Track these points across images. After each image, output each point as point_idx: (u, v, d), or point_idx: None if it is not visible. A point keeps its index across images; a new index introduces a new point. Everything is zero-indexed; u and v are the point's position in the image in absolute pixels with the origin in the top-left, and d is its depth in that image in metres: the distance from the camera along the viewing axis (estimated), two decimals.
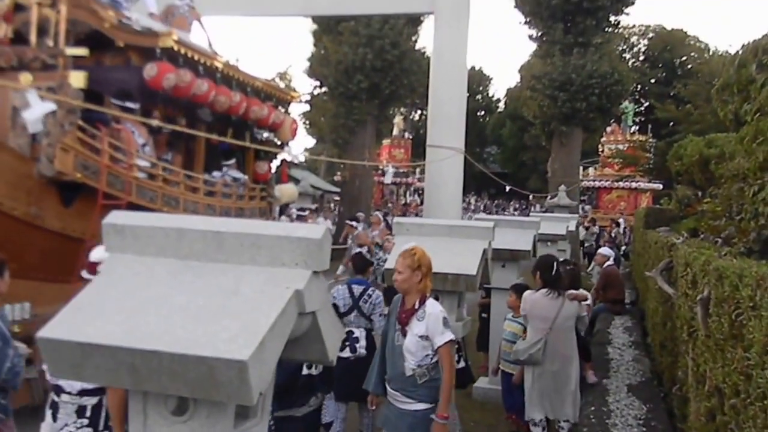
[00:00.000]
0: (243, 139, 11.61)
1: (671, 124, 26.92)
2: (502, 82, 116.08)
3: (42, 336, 1.67)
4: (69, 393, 3.84)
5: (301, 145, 70.17)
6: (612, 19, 28.38)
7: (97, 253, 4.10)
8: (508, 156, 54.84)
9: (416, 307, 4.20)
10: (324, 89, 27.98)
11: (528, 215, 20.21)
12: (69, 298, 1.78)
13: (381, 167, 31.97)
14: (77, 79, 7.84)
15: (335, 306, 5.87)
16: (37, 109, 7.30)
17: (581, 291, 6.50)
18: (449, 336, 4.12)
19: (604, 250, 11.71)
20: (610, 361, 7.42)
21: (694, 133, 13.16)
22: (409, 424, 4.18)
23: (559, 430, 5.76)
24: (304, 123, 39.84)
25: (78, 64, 8.26)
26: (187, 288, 1.76)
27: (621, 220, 26.52)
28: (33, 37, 8.44)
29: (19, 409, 4.22)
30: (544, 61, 28.64)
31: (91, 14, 8.85)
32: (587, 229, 22.31)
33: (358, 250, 9.18)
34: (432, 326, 4.12)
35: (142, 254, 1.88)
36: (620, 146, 32.02)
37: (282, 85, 33.15)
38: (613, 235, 21.71)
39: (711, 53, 42.37)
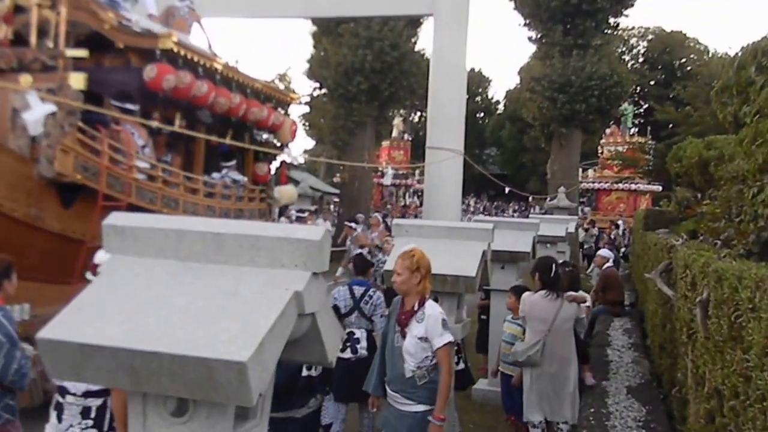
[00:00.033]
0: (242, 140, 11.62)
1: (671, 126, 26.92)
2: (502, 84, 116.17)
3: (42, 337, 1.67)
4: (74, 394, 3.86)
5: (300, 146, 70.19)
6: (611, 20, 28.43)
7: (101, 256, 4.10)
8: (508, 158, 54.86)
9: (415, 308, 4.21)
10: (323, 91, 27.99)
11: (527, 217, 20.22)
12: (69, 300, 1.78)
13: (380, 169, 31.98)
14: (77, 80, 7.84)
15: (336, 307, 5.88)
16: (37, 111, 7.30)
17: (580, 293, 6.51)
18: (448, 338, 4.12)
19: (604, 252, 11.72)
20: (609, 362, 7.42)
21: (694, 135, 13.18)
22: (409, 426, 4.19)
23: None
24: (304, 124, 39.93)
25: (78, 65, 8.26)
26: (187, 289, 1.76)
27: (620, 222, 26.52)
28: (33, 39, 8.44)
29: (20, 411, 4.26)
30: (544, 63, 28.68)
31: (91, 16, 8.85)
32: (586, 230, 22.31)
33: (359, 251, 9.18)
34: (431, 328, 4.12)
35: (141, 255, 1.88)
36: (619, 148, 32.04)
37: (282, 86, 33.16)
38: (612, 236, 21.72)
39: (710, 55, 42.45)
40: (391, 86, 25.14)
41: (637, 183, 31.07)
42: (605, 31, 28.51)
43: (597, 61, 26.93)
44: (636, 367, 7.25)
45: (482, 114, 59.62)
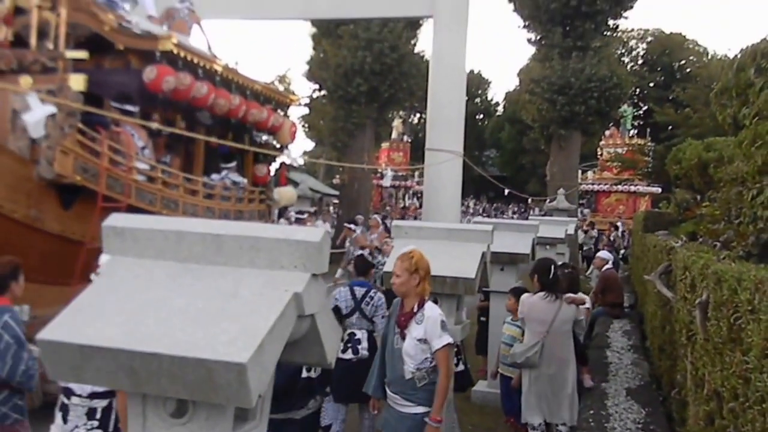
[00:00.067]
0: (242, 142, 11.62)
1: (670, 127, 26.91)
2: (501, 86, 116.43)
3: (42, 338, 1.67)
4: (79, 396, 3.90)
5: (300, 148, 70.18)
6: (611, 22, 28.46)
7: (105, 257, 4.13)
8: (507, 159, 54.86)
9: (415, 310, 4.21)
10: (323, 92, 28.00)
11: (527, 219, 20.21)
12: (68, 301, 1.79)
13: (380, 170, 31.97)
14: (77, 82, 7.85)
15: (337, 308, 5.89)
16: (37, 112, 7.31)
17: (580, 295, 6.51)
18: (447, 339, 4.13)
19: (603, 254, 11.72)
20: (609, 364, 7.42)
21: (693, 136, 13.18)
22: (409, 427, 4.19)
23: None
24: (303, 126, 39.90)
25: (78, 67, 8.27)
26: (187, 290, 1.76)
27: (619, 224, 26.53)
28: (33, 40, 8.45)
29: None
30: (543, 65, 28.70)
31: (91, 17, 8.87)
32: (586, 232, 22.32)
33: (360, 252, 9.18)
34: (430, 329, 4.13)
35: (141, 257, 1.88)
36: (619, 150, 32.04)
37: (281, 88, 33.16)
38: (611, 238, 21.72)
39: (710, 57, 42.50)
40: (390, 88, 25.15)
41: (636, 185, 31.10)
42: (604, 33, 28.54)
43: (596, 62, 26.95)
44: (635, 368, 7.24)
45: (482, 116, 59.62)
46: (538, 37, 28.58)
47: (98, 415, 3.89)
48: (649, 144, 28.15)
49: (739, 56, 5.39)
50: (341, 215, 25.97)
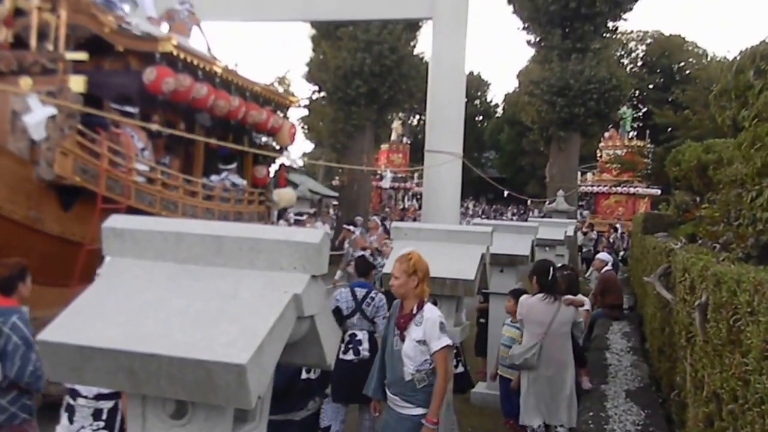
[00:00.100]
0: (242, 143, 11.63)
1: (669, 129, 26.98)
2: (501, 87, 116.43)
3: (42, 339, 1.67)
4: (85, 397, 3.94)
5: (299, 149, 70.18)
6: (610, 24, 28.50)
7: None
8: (506, 161, 54.87)
9: (414, 312, 4.21)
10: (322, 94, 28.00)
11: (526, 220, 20.22)
12: (68, 302, 1.79)
13: (379, 172, 31.99)
14: (77, 83, 7.85)
15: (338, 308, 5.89)
16: (38, 114, 7.31)
17: (579, 296, 6.51)
18: (445, 341, 4.13)
19: (603, 256, 11.73)
20: (608, 366, 7.42)
21: (692, 138, 13.20)
22: (408, 429, 4.19)
23: None
24: (303, 128, 39.90)
25: (78, 68, 8.27)
26: (186, 292, 1.77)
27: (618, 225, 26.53)
28: (33, 42, 8.45)
29: None
30: (543, 67, 28.73)
31: (91, 19, 8.87)
32: (585, 234, 22.30)
33: (361, 253, 9.18)
34: (429, 331, 4.13)
35: (141, 258, 1.89)
36: (618, 151, 32.07)
37: (281, 89, 33.19)
38: (611, 240, 21.72)
39: (709, 59, 42.54)
40: (390, 89, 25.16)
41: (635, 186, 31.12)
42: (604, 34, 28.57)
43: (596, 64, 26.98)
44: (635, 370, 7.24)
45: (481, 117, 59.63)
46: (538, 39, 28.60)
47: (104, 416, 3.94)
48: (649, 146, 28.18)
49: (738, 58, 5.40)
50: (340, 217, 25.97)
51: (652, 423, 5.49)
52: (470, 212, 43.11)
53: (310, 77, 28.17)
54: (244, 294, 1.74)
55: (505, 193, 29.12)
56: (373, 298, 6.03)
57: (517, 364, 5.73)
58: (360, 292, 6.05)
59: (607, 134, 34.45)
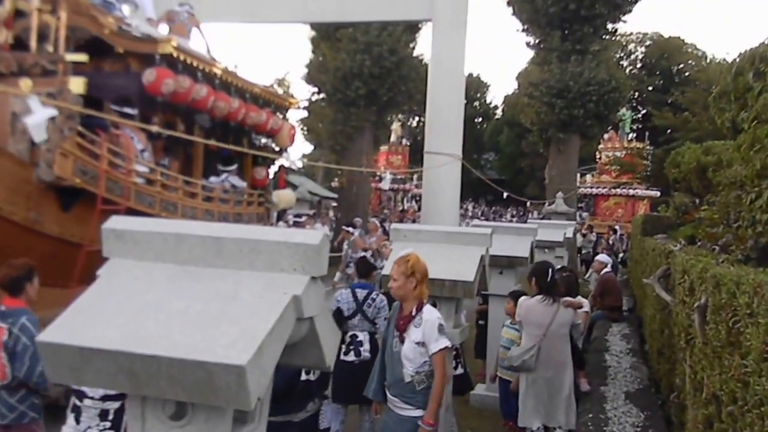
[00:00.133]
0: (241, 144, 11.63)
1: (668, 131, 26.97)
2: (500, 89, 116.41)
3: (42, 340, 1.67)
4: (92, 398, 3.95)
5: (298, 151, 70.18)
6: (609, 26, 28.52)
7: None
8: (506, 163, 54.89)
9: (413, 313, 4.22)
10: (322, 96, 28.03)
11: (525, 222, 20.21)
12: (68, 303, 1.79)
13: (378, 173, 31.99)
14: (77, 84, 7.85)
15: (339, 310, 5.90)
16: (39, 115, 7.31)
17: (578, 298, 6.51)
18: (443, 343, 4.13)
19: (602, 257, 11.72)
20: (607, 368, 7.41)
21: (692, 140, 13.20)
22: (407, 431, 4.19)
23: None
24: (302, 129, 39.93)
25: (77, 70, 8.28)
26: (186, 293, 1.77)
27: (618, 227, 26.53)
28: (33, 43, 8.45)
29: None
30: (542, 69, 28.74)
31: (91, 21, 8.88)
32: (584, 236, 22.30)
33: (362, 254, 9.19)
34: (428, 333, 4.14)
35: (141, 259, 1.89)
36: (618, 153, 32.07)
37: (280, 91, 33.20)
38: (610, 242, 21.71)
39: (708, 61, 42.52)
40: (389, 91, 25.18)
41: (635, 188, 31.13)
42: (603, 36, 28.58)
43: (595, 66, 27.00)
44: (634, 372, 7.24)
45: (480, 119, 59.65)
46: (537, 41, 28.63)
47: (111, 417, 3.95)
48: (648, 147, 28.19)
49: (737, 60, 5.41)
50: (340, 218, 25.97)
51: (652, 425, 5.48)
52: (469, 214, 43.11)
53: (310, 79, 28.20)
54: (244, 295, 1.74)
55: (505, 194, 29.13)
56: (374, 300, 6.03)
57: (515, 365, 5.73)
58: (361, 293, 6.06)
59: (606, 136, 34.46)
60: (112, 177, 8.25)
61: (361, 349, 5.91)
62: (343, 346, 5.88)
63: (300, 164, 35.73)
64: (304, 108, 31.47)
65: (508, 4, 28.52)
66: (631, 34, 46.98)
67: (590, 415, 5.69)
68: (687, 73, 43.41)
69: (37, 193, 7.60)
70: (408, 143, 44.11)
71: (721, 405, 3.45)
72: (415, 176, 39.34)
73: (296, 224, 19.57)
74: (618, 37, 35.81)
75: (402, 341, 4.23)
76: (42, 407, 4.43)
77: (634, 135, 38.10)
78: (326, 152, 33.77)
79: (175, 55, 9.26)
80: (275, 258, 1.80)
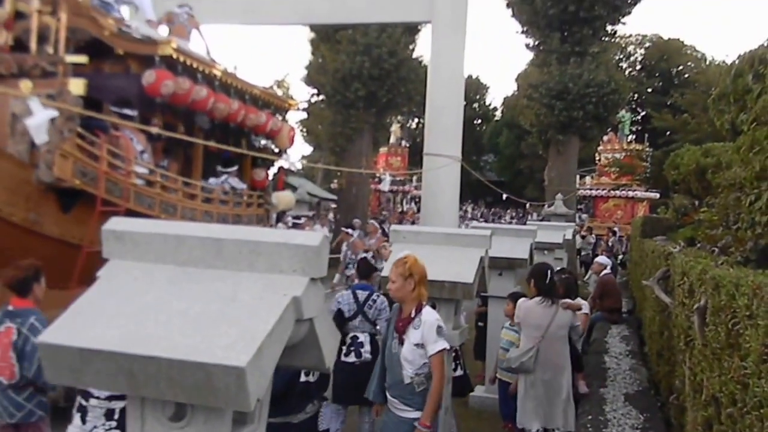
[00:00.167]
0: (240, 146, 11.63)
1: (668, 133, 27.02)
2: (499, 91, 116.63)
3: (41, 341, 1.67)
4: (98, 398, 3.97)
5: (298, 152, 70.19)
6: (609, 28, 28.53)
7: None
8: (505, 164, 54.90)
9: (412, 315, 4.22)
10: (321, 97, 28.03)
11: (525, 224, 20.22)
12: (67, 304, 1.79)
13: (378, 175, 32.00)
14: (77, 86, 7.85)
15: (340, 311, 5.90)
16: (39, 117, 7.31)
17: (577, 300, 6.51)
18: (442, 345, 4.13)
19: (601, 259, 11.72)
20: (607, 370, 7.41)
21: (691, 142, 13.23)
22: None
23: None
24: (302, 131, 39.95)
25: (77, 71, 8.28)
26: (186, 294, 1.77)
27: (617, 229, 26.54)
28: (33, 45, 8.45)
29: None
30: (541, 70, 28.77)
31: (91, 22, 8.87)
32: (584, 237, 22.32)
33: (363, 255, 9.19)
34: (426, 334, 4.14)
35: (141, 260, 1.89)
36: (617, 155, 32.10)
37: (280, 92, 33.19)
38: (610, 243, 21.72)
39: (708, 63, 42.55)
40: (388, 93, 25.18)
41: (634, 190, 31.16)
42: (603, 38, 28.60)
43: (594, 68, 27.01)
44: (633, 374, 7.24)
45: (480, 121, 59.64)
46: (537, 43, 28.65)
47: (116, 416, 3.96)
48: (647, 149, 28.26)
49: (737, 62, 5.42)
50: (339, 220, 25.96)
51: (651, 427, 5.48)
52: (469, 215, 43.13)
53: (309, 80, 28.20)
54: (244, 296, 1.74)
55: (504, 196, 29.18)
56: (375, 301, 6.04)
57: (514, 367, 5.73)
58: (362, 295, 6.06)
59: (605, 138, 34.46)
60: (111, 178, 8.25)
61: (362, 350, 5.91)
62: (344, 348, 5.88)
63: (299, 166, 35.74)
64: (304, 109, 31.52)
65: (508, 5, 28.56)
66: (631, 35, 47.02)
67: (589, 417, 5.69)
68: (686, 75, 43.47)
69: (36, 195, 7.59)
70: (407, 145, 44.09)
71: (721, 407, 3.45)
72: (414, 178, 39.35)
73: (295, 226, 19.57)
74: (617, 39, 35.82)
75: (401, 343, 4.23)
76: (49, 406, 4.47)
77: (634, 137, 38.09)
78: (326, 154, 33.82)
79: (174, 56, 9.26)
80: (275, 259, 1.80)
